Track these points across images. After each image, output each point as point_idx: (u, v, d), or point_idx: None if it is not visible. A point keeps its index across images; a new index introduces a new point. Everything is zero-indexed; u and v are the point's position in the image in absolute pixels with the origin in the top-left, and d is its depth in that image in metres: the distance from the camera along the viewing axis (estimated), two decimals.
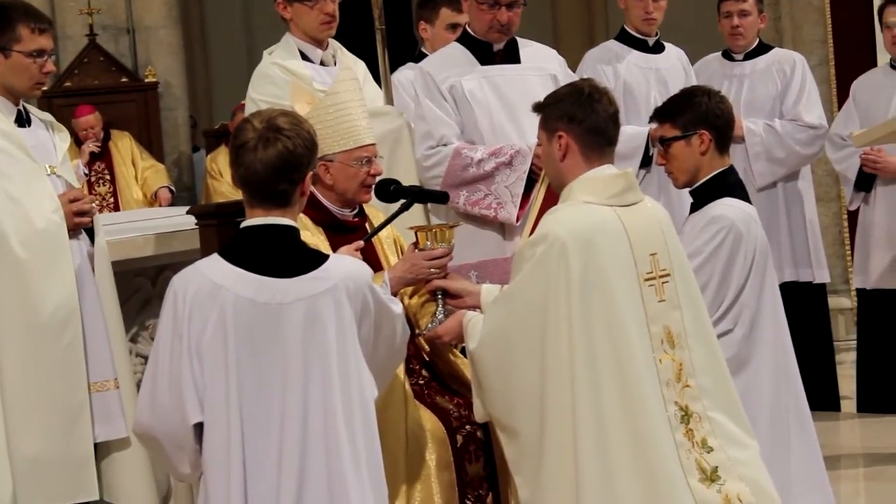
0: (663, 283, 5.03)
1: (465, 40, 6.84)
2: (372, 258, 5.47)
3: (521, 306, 4.97)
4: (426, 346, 5.72)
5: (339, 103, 5.51)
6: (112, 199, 12.58)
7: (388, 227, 5.81)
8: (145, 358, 6.06)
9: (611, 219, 5.00)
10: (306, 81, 6.12)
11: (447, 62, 6.79)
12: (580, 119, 5.07)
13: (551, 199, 5.73)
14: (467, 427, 5.63)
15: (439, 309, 5.49)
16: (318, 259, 4.61)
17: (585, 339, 4.85)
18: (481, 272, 6.63)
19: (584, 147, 5.07)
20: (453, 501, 5.50)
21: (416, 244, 5.49)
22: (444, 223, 5.69)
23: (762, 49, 8.86)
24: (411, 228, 5.58)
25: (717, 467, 4.94)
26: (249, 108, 6.30)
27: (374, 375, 4.66)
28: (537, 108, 5.25)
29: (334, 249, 4.83)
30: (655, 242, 5.06)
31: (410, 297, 5.76)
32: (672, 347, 5.00)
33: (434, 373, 5.78)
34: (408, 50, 7.83)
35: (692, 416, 4.96)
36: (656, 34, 8.16)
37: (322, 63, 6.49)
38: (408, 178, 6.31)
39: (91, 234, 5.76)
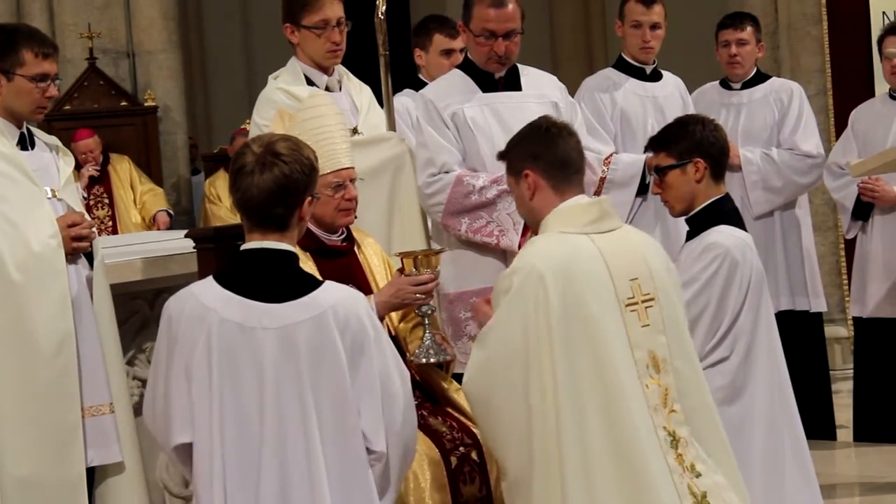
0: (646, 307, 5.01)
1: (467, 68, 6.84)
2: (360, 279, 5.49)
3: (500, 343, 4.93)
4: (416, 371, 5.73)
5: (315, 128, 5.54)
6: (110, 223, 12.59)
7: (379, 249, 5.88)
8: (142, 381, 6.06)
9: (586, 246, 4.98)
10: (305, 101, 6.12)
11: (449, 89, 6.79)
12: (542, 154, 5.08)
13: None
14: (461, 448, 5.63)
15: (427, 335, 5.51)
16: (309, 286, 4.61)
17: (569, 371, 4.82)
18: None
19: (552, 181, 5.07)
20: None
21: (402, 270, 5.53)
22: (430, 249, 5.73)
23: (760, 78, 8.88)
24: (398, 255, 5.63)
25: (705, 492, 4.93)
26: (253, 132, 6.31)
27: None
28: (501, 156, 5.27)
29: (324, 275, 4.83)
30: (636, 268, 5.03)
31: (399, 321, 5.78)
32: (657, 372, 4.98)
33: (427, 393, 5.78)
34: (409, 76, 7.85)
35: (680, 441, 4.94)
36: (654, 62, 8.17)
37: (327, 88, 6.48)
38: (410, 204, 6.34)
39: (90, 258, 5.75)
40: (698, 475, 4.93)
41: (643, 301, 5.02)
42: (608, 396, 4.85)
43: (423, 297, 5.53)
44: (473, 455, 5.65)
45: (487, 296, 5.17)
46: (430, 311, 5.62)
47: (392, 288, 5.34)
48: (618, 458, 4.83)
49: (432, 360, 5.38)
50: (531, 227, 5.31)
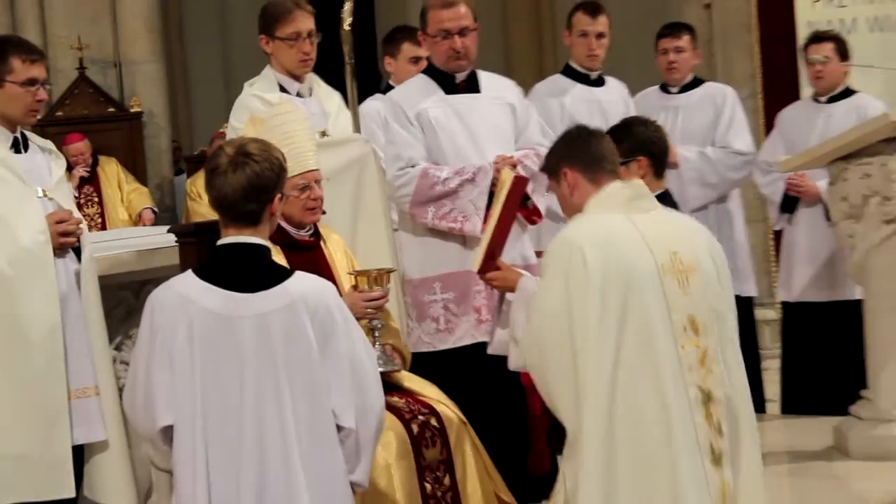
0: (686, 276, 4.97)
1: (430, 72, 6.86)
2: (325, 272, 5.50)
3: (545, 312, 4.90)
4: None
5: (283, 133, 5.54)
6: (100, 220, 12.57)
7: (342, 244, 5.89)
8: (128, 364, 6.05)
9: (622, 221, 4.98)
10: (274, 108, 6.10)
11: (414, 92, 6.81)
12: (577, 154, 5.12)
13: (511, 208, 5.74)
14: (420, 417, 5.67)
15: (377, 346, 5.58)
16: (280, 276, 4.60)
17: (608, 329, 4.79)
18: (445, 283, 6.67)
19: (588, 175, 5.08)
20: (412, 485, 5.50)
21: (355, 286, 5.58)
22: (382, 268, 5.75)
23: (696, 83, 8.87)
24: (351, 273, 5.68)
25: (721, 452, 4.89)
26: (230, 135, 6.34)
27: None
28: (544, 170, 5.32)
29: (293, 267, 4.82)
30: (676, 243, 5.01)
31: None
32: (696, 335, 4.92)
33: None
34: (373, 83, 7.84)
35: (713, 400, 4.89)
36: (599, 69, 8.17)
37: (298, 94, 6.50)
38: (374, 199, 6.33)
39: (78, 252, 5.74)
40: (721, 435, 4.90)
41: (682, 270, 4.97)
42: (641, 353, 4.81)
43: (374, 311, 5.59)
44: (433, 421, 5.69)
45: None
46: (379, 325, 5.66)
47: (346, 301, 5.35)
48: (651, 405, 4.80)
49: (381, 369, 5.36)
50: None
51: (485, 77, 6.93)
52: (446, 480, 5.64)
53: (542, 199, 6.80)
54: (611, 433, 4.76)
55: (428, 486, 5.57)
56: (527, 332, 5.03)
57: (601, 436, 4.75)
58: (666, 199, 5.73)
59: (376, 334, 5.61)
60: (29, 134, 5.92)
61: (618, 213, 5.01)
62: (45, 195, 5.72)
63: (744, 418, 5.04)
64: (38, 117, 6.01)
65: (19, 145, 5.77)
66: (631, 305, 4.84)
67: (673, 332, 4.88)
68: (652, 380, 4.81)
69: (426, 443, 5.61)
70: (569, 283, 4.84)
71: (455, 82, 6.80)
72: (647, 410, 4.80)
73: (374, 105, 7.40)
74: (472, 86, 6.85)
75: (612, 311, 4.81)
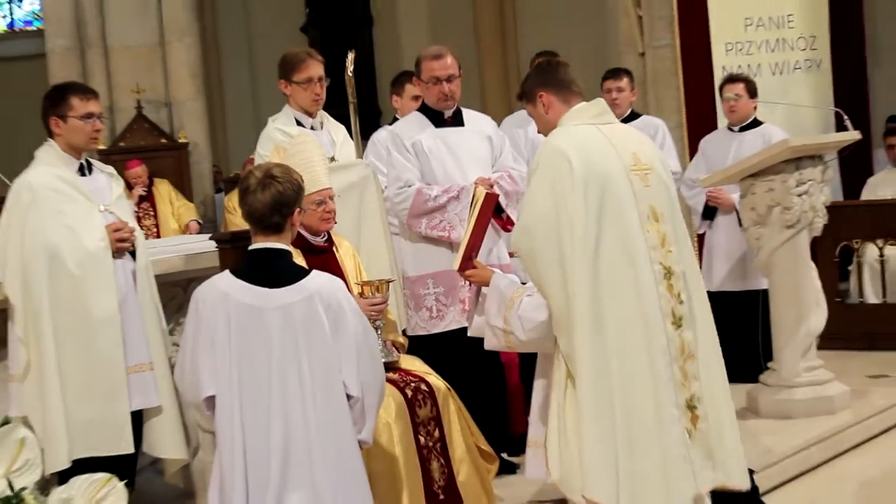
0: (646, 174, 4.98)
1: (423, 110, 6.85)
2: (336, 271, 5.49)
3: (534, 209, 4.87)
4: None
5: (302, 160, 5.54)
6: (155, 229, 12.55)
7: (351, 249, 5.90)
8: (179, 346, 6.06)
9: (594, 131, 4.98)
10: (294, 139, 6.10)
11: (411, 126, 6.80)
12: (549, 79, 5.12)
13: (484, 219, 5.74)
14: (412, 384, 5.68)
15: (379, 340, 5.52)
16: (300, 274, 4.60)
17: (591, 219, 4.78)
18: (436, 279, 6.66)
19: (559, 96, 5.08)
20: (409, 439, 5.50)
21: (361, 294, 5.57)
22: (382, 279, 5.75)
23: (634, 116, 8.87)
24: (358, 283, 5.67)
25: (682, 316, 4.91)
26: (257, 161, 6.31)
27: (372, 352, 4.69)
28: (520, 96, 5.29)
29: (309, 266, 4.82)
30: (634, 146, 5.02)
31: None
32: (657, 221, 4.94)
33: None
34: (373, 118, 7.83)
35: (673, 275, 4.89)
36: None
37: (312, 128, 6.49)
38: (373, 214, 6.32)
39: (133, 254, 5.75)
40: (681, 302, 4.90)
41: (642, 169, 4.99)
42: (618, 236, 4.81)
43: (377, 314, 5.58)
44: (423, 386, 5.69)
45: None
46: (381, 324, 5.64)
47: None
48: (626, 278, 4.81)
49: (382, 360, 5.34)
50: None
51: (467, 113, 6.93)
52: (436, 433, 5.64)
53: (514, 211, 6.82)
54: (597, 300, 4.75)
55: (422, 438, 5.57)
56: (518, 227, 4.99)
57: (589, 305, 4.75)
58: None
59: (379, 331, 5.60)
60: (92, 160, 5.93)
61: (588, 124, 5.01)
62: (105, 209, 5.73)
63: (696, 290, 5.04)
64: (98, 145, 6.00)
65: (84, 169, 5.78)
66: (607, 199, 4.84)
67: (639, 219, 4.90)
68: (627, 258, 4.82)
69: (419, 403, 5.62)
70: (555, 184, 4.83)
71: (444, 118, 6.79)
72: (624, 282, 4.80)
73: (383, 135, 7.41)
74: (457, 120, 6.84)
75: (593, 204, 4.80)
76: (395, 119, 7.71)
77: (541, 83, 5.13)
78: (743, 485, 4.99)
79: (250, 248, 4.67)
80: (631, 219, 4.88)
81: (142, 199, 12.69)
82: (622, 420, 4.74)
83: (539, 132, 5.23)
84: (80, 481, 3.85)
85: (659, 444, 4.78)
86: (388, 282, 5.77)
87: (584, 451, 4.75)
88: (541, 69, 5.24)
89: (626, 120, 8.72)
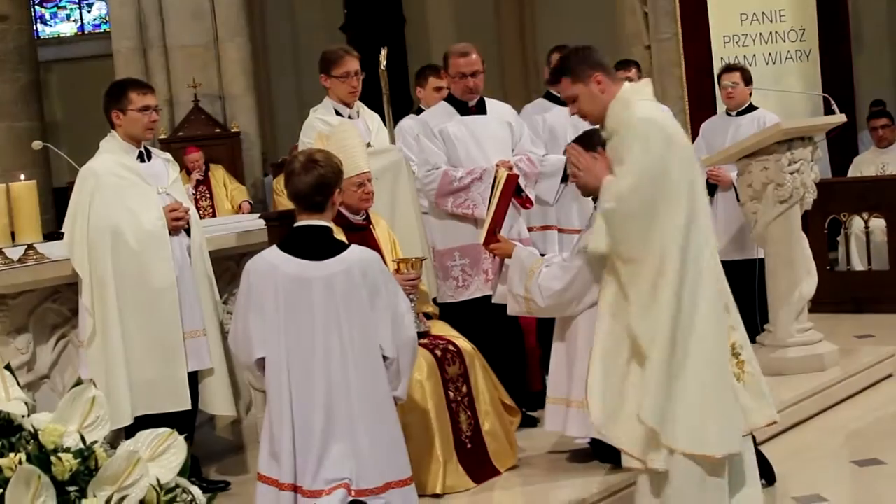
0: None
1: (450, 100, 6.82)
2: (373, 246, 5.46)
3: (646, 174, 4.53)
4: None
5: (344, 146, 5.51)
6: (211, 210, 12.57)
7: (387, 227, 5.85)
8: (232, 313, 6.06)
9: (660, 108, 4.79)
10: (336, 128, 6.08)
11: (438, 114, 6.77)
12: (599, 59, 4.81)
13: (505, 198, 5.71)
14: (441, 345, 5.66)
15: (412, 311, 5.47)
16: (340, 248, 4.58)
17: (680, 193, 4.54)
18: (462, 252, 6.63)
19: (610, 77, 4.77)
20: (439, 394, 5.51)
21: (397, 270, 5.52)
22: (417, 257, 5.71)
23: None
24: (395, 261, 5.63)
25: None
26: (301, 147, 6.29)
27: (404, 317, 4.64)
28: (554, 80, 4.91)
29: (349, 241, 4.80)
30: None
31: None
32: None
33: None
34: (406, 106, 7.79)
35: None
36: None
37: (349, 117, 6.45)
38: (405, 195, 6.29)
39: (188, 232, 5.74)
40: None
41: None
42: (699, 211, 4.60)
43: (411, 288, 5.52)
44: (451, 347, 5.67)
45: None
46: (414, 298, 5.58)
47: None
48: (702, 248, 4.63)
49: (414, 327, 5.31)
50: (597, 118, 4.81)
51: (489, 102, 6.89)
52: (464, 389, 5.63)
53: (532, 190, 6.79)
54: (685, 257, 4.53)
55: (451, 394, 5.56)
56: (627, 187, 4.56)
57: (680, 258, 4.51)
58: None
59: (413, 303, 5.54)
60: (151, 148, 5.92)
61: (652, 101, 4.78)
62: (163, 192, 5.72)
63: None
64: (154, 135, 6.00)
65: (143, 156, 5.78)
66: (692, 172, 4.64)
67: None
68: (705, 221, 4.66)
69: (448, 362, 5.60)
70: (663, 154, 4.56)
71: (468, 107, 6.76)
72: (705, 247, 4.63)
73: (408, 122, 7.36)
74: (480, 109, 6.80)
75: (687, 177, 4.58)
76: (420, 109, 7.66)
77: (594, 64, 4.79)
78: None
79: (295, 224, 4.66)
80: (701, 191, 4.71)
81: (199, 182, 12.71)
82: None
83: (583, 113, 4.86)
84: (144, 435, 3.84)
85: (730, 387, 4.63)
86: (422, 259, 5.74)
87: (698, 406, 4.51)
88: (586, 52, 4.85)
89: None
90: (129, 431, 5.10)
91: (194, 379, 5.72)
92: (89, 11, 21.71)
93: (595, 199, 5.55)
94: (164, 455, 3.85)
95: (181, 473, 3.85)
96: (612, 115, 4.74)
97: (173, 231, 5.63)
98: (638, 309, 4.54)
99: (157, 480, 3.73)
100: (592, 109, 4.79)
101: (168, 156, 5.98)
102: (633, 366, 4.56)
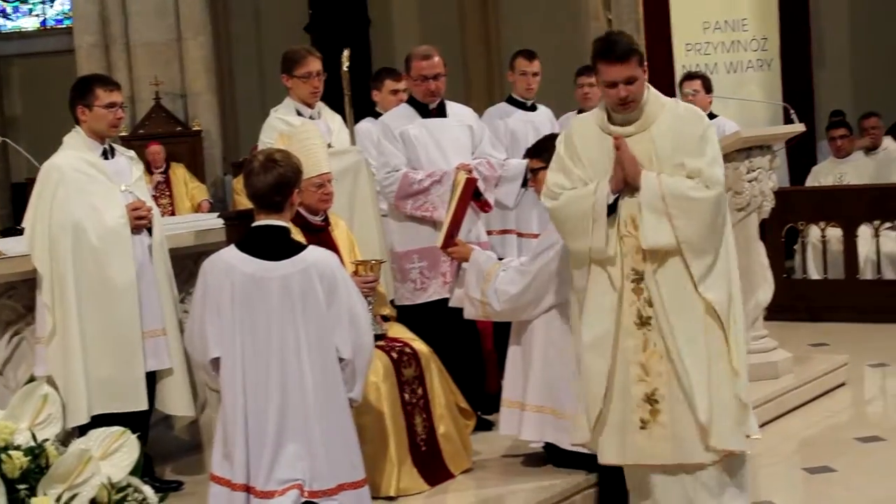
0: None
1: (411, 102, 6.81)
2: (331, 247, 5.45)
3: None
4: None
5: (305, 146, 5.50)
6: (171, 208, 12.56)
7: (346, 228, 5.83)
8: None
9: None
10: (298, 128, 6.07)
11: (399, 116, 6.76)
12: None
13: (464, 201, 5.73)
14: (398, 347, 5.67)
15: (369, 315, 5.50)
16: (297, 249, 4.58)
17: None
18: (420, 255, 6.62)
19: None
20: (395, 396, 5.50)
21: (355, 272, 5.51)
22: (375, 259, 5.71)
23: None
24: (353, 262, 5.62)
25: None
26: (260, 148, 6.27)
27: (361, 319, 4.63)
28: (625, 56, 4.69)
29: (308, 241, 4.80)
30: None
31: None
32: None
33: None
34: (369, 108, 7.79)
35: None
36: (533, 98, 8.12)
37: (311, 117, 6.44)
38: (364, 196, 6.29)
39: (150, 230, 5.71)
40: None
41: None
42: None
43: (369, 290, 5.52)
44: (407, 349, 5.68)
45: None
46: (372, 300, 5.59)
47: None
48: None
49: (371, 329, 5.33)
50: (640, 102, 4.74)
51: (450, 105, 6.88)
52: (419, 392, 5.63)
53: (491, 194, 6.80)
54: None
55: (406, 396, 5.56)
56: (723, 178, 4.66)
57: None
58: None
59: (370, 306, 5.56)
60: (115, 145, 5.88)
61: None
62: (126, 190, 5.69)
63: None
64: (119, 132, 5.97)
65: (108, 154, 5.74)
66: None
67: None
68: None
69: (404, 364, 5.60)
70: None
71: (429, 109, 6.76)
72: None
73: (367, 125, 7.36)
74: (441, 112, 6.79)
75: None
76: (377, 112, 7.65)
77: (640, 58, 4.77)
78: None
79: (253, 224, 4.65)
80: None
81: (159, 182, 12.67)
82: None
83: (633, 96, 4.71)
84: (96, 434, 3.84)
85: None
86: (380, 262, 5.74)
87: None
88: (601, 42, 4.83)
89: None
90: (83, 431, 5.07)
91: (151, 378, 5.69)
92: (51, 6, 21.56)
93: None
94: (115, 454, 3.85)
95: (133, 472, 3.86)
96: (653, 102, 4.75)
97: (135, 230, 5.61)
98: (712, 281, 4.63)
99: (109, 479, 3.73)
100: (639, 95, 4.76)
101: (132, 153, 5.96)
102: (715, 356, 4.63)
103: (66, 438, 3.97)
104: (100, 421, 5.09)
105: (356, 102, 6.53)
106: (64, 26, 20.28)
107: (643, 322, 4.67)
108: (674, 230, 4.59)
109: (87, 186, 5.56)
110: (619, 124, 4.78)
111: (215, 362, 4.57)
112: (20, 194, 15.26)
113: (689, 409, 4.61)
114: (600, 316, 4.70)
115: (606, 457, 4.79)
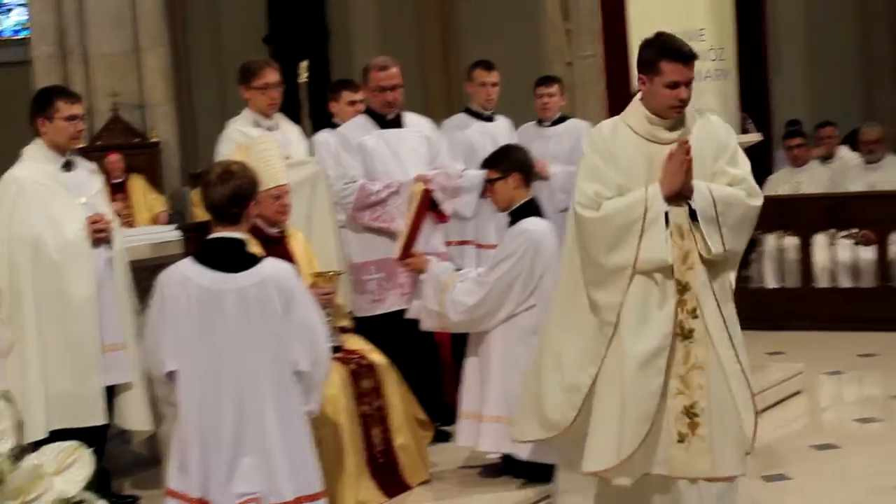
0: None
1: (368, 112, 6.83)
2: (288, 257, 5.45)
3: None
4: None
5: (263, 158, 5.51)
6: (129, 219, 12.47)
7: (303, 240, 5.82)
8: None
9: None
10: (256, 140, 6.06)
11: (356, 127, 6.78)
12: None
13: (421, 212, 5.74)
14: (355, 358, 5.68)
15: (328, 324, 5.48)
16: (254, 261, 4.56)
17: None
18: (378, 266, 6.63)
19: None
20: (352, 407, 5.52)
21: (313, 284, 5.49)
22: (333, 271, 5.71)
23: (562, 119, 8.84)
24: (311, 275, 5.60)
25: None
26: (217, 160, 6.26)
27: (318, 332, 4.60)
28: (690, 59, 4.62)
29: (266, 253, 4.79)
30: None
31: None
32: None
33: None
34: (324, 119, 7.78)
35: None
36: (491, 109, 8.14)
37: (269, 129, 6.44)
38: (322, 207, 6.29)
39: (110, 243, 5.69)
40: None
41: None
42: None
43: (326, 302, 5.51)
44: (364, 361, 5.69)
45: None
46: (329, 313, 5.56)
47: None
48: None
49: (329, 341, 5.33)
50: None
51: (408, 116, 6.90)
52: (377, 403, 5.65)
53: (449, 205, 6.82)
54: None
55: (364, 407, 5.58)
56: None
57: None
58: (532, 204, 5.71)
59: (328, 318, 5.55)
60: (75, 158, 5.87)
61: None
62: (86, 202, 5.68)
63: None
64: (79, 144, 5.95)
65: (68, 166, 5.73)
66: None
67: None
68: None
69: (361, 376, 5.62)
70: None
71: (386, 120, 6.78)
72: None
73: (324, 136, 7.34)
74: (398, 123, 6.82)
75: None
76: (335, 124, 7.65)
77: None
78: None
79: (209, 236, 4.63)
80: None
81: (118, 190, 12.60)
82: None
83: (689, 98, 4.65)
84: (50, 449, 3.81)
85: None
86: (338, 273, 5.74)
87: None
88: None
89: (555, 122, 8.73)
90: (39, 446, 5.04)
91: (109, 392, 5.67)
92: (8, 17, 21.41)
93: (509, 214, 5.58)
94: (70, 469, 3.82)
95: (87, 487, 3.82)
96: (688, 110, 4.68)
97: (95, 243, 5.58)
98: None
99: (62, 494, 3.70)
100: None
101: (93, 166, 5.95)
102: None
103: (20, 454, 3.93)
104: (58, 436, 5.06)
105: (316, 114, 6.53)
106: (20, 37, 20.16)
107: (686, 335, 4.57)
108: (722, 238, 4.53)
109: (46, 198, 5.55)
110: (666, 130, 4.64)
111: (171, 375, 4.55)
112: None
113: (731, 422, 4.54)
114: (648, 331, 4.49)
115: (598, 464, 4.57)
